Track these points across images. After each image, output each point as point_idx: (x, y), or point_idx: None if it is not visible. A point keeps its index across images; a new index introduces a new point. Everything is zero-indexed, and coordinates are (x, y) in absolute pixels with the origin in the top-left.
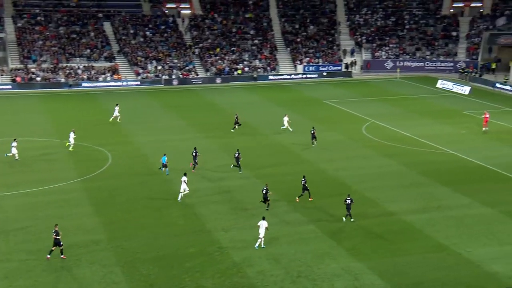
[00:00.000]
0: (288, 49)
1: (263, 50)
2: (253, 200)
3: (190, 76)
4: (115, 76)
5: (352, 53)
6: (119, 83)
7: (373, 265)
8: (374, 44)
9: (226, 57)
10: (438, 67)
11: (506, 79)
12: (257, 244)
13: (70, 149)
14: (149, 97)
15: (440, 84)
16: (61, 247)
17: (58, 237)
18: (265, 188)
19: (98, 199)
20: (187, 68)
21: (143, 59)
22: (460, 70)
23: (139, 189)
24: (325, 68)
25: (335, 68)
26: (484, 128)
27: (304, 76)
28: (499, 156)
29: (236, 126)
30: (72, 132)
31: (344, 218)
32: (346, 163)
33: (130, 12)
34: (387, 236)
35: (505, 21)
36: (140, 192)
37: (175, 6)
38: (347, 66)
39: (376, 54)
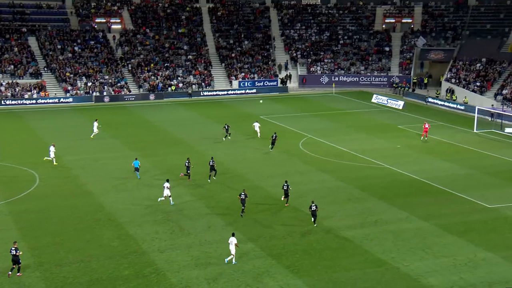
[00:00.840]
0: (223, 64)
1: (197, 66)
2: (189, 220)
3: (122, 93)
4: (42, 93)
5: (286, 67)
6: (47, 101)
7: (313, 282)
8: (309, 59)
9: (160, 73)
10: (372, 82)
11: (438, 94)
12: (227, 259)
13: (54, 163)
14: (79, 115)
15: (374, 99)
16: (19, 265)
17: (17, 255)
18: (243, 193)
19: (25, 222)
20: (118, 84)
21: (72, 75)
22: (394, 85)
23: (69, 211)
24: (261, 84)
25: (271, 83)
26: (422, 138)
27: (239, 91)
28: (433, 169)
29: (228, 136)
30: (52, 146)
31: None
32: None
33: (57, 27)
34: (325, 252)
35: (424, 41)
36: (71, 214)
37: (105, 20)
38: (283, 81)
39: (312, 69)
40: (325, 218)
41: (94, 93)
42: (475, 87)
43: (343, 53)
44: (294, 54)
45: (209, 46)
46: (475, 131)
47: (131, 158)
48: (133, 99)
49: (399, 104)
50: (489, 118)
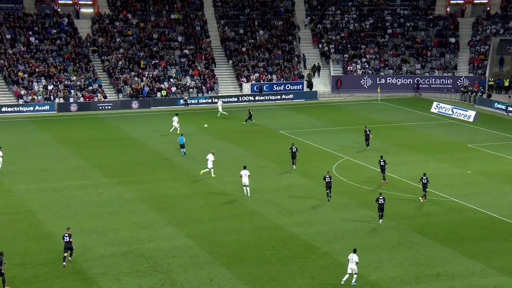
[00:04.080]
0: (230, 62)
1: (196, 64)
2: (184, 270)
3: (95, 99)
4: None
5: (304, 61)
6: None
7: None
8: (346, 55)
9: (146, 73)
10: (432, 85)
11: None
12: (353, 281)
13: (213, 175)
14: (36, 128)
15: (435, 107)
16: (72, 251)
17: (71, 241)
18: (327, 176)
19: None
20: (90, 88)
21: (26, 75)
22: (462, 89)
23: (20, 259)
24: (281, 87)
25: (295, 86)
26: None
27: (252, 98)
28: None
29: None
30: (211, 154)
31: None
32: (311, 216)
33: (5, 10)
34: None
35: None
36: (22, 263)
37: (72, 2)
38: (310, 85)
39: (349, 68)
40: (369, 268)
41: (57, 100)
42: None
43: (392, 47)
44: (326, 48)
45: (212, 38)
46: None
47: (105, 186)
48: (109, 107)
49: (469, 115)
50: None
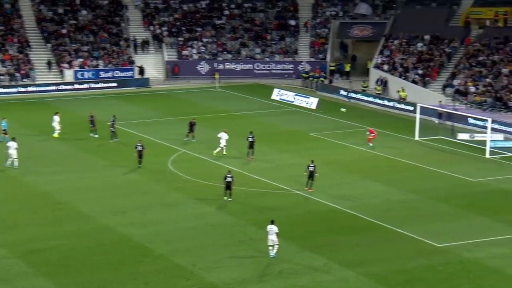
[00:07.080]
0: (49, 45)
1: (7, 47)
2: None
3: None
4: None
5: (134, 45)
6: None
7: None
8: (181, 38)
9: None
10: (273, 71)
11: (365, 86)
12: (274, 253)
13: (224, 152)
14: None
15: (276, 94)
16: None
17: None
18: (139, 145)
19: None
20: None
21: None
22: (303, 74)
23: None
24: (109, 74)
25: (124, 73)
26: (370, 144)
27: (76, 86)
28: (360, 195)
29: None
30: (223, 133)
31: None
32: (145, 215)
33: None
34: None
35: (368, 8)
36: None
37: None
38: (141, 71)
39: (185, 52)
40: (208, 269)
41: None
42: (416, 76)
43: (230, 29)
44: (159, 31)
45: (25, 18)
46: (416, 138)
47: None
48: None
49: (311, 101)
50: (436, 120)
